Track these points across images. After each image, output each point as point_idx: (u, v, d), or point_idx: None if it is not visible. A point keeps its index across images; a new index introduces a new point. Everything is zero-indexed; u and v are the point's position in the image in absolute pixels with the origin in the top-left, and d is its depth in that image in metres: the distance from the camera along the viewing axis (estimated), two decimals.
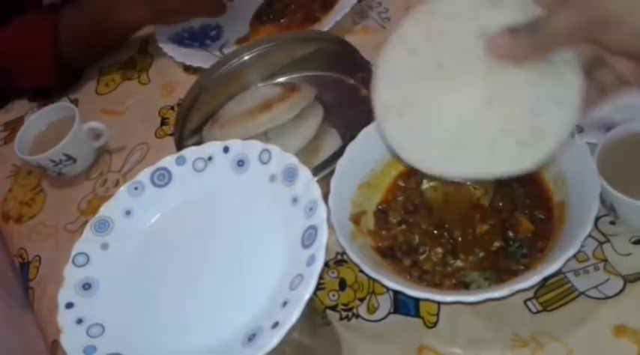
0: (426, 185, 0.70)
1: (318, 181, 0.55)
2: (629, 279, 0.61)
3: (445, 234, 0.66)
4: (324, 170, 0.70)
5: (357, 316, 0.66)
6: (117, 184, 0.92)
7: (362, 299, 0.67)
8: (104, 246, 0.60)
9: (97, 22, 1.03)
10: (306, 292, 0.48)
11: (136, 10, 1.02)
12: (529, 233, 0.63)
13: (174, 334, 0.54)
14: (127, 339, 0.54)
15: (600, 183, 0.59)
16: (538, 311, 0.61)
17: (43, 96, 1.10)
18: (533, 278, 0.55)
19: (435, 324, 0.63)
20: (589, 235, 0.57)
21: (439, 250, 0.65)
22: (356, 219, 0.67)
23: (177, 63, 1.02)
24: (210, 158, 0.62)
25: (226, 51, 1.01)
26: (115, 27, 1.05)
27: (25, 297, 0.89)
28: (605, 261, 0.62)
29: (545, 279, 0.59)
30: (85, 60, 1.11)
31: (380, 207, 0.70)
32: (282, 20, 1.03)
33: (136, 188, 0.62)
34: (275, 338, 0.47)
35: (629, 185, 0.59)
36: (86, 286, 0.57)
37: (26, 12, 1.06)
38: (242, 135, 0.74)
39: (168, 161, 0.63)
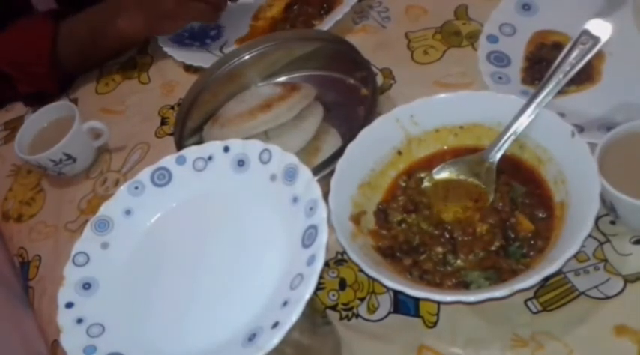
0: (426, 185, 0.70)
1: (319, 181, 0.55)
2: (629, 279, 0.60)
3: (445, 233, 0.66)
4: (324, 170, 0.70)
5: (357, 316, 0.66)
6: (117, 184, 0.92)
7: (362, 299, 0.67)
8: (104, 246, 0.60)
9: (95, 34, 1.03)
10: (306, 292, 0.48)
11: (131, 21, 1.00)
12: (529, 233, 0.63)
13: (175, 334, 0.54)
14: (127, 339, 0.54)
15: (600, 183, 0.59)
16: (538, 311, 0.61)
17: (39, 100, 1.09)
18: (533, 278, 0.55)
19: (435, 324, 0.63)
20: (589, 235, 0.56)
21: (439, 250, 0.65)
22: (356, 218, 0.67)
23: (177, 63, 1.02)
24: (210, 157, 0.62)
25: (226, 51, 1.01)
26: (112, 39, 1.03)
27: (25, 297, 0.88)
28: (605, 260, 0.62)
29: (546, 279, 0.59)
30: (82, 68, 1.11)
31: (380, 206, 0.70)
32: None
33: (136, 187, 0.62)
34: (275, 338, 0.47)
35: (629, 185, 0.59)
36: (86, 286, 0.58)
37: (20, 16, 1.06)
38: (242, 134, 0.74)
39: (168, 160, 0.63)
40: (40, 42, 1.01)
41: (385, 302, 0.66)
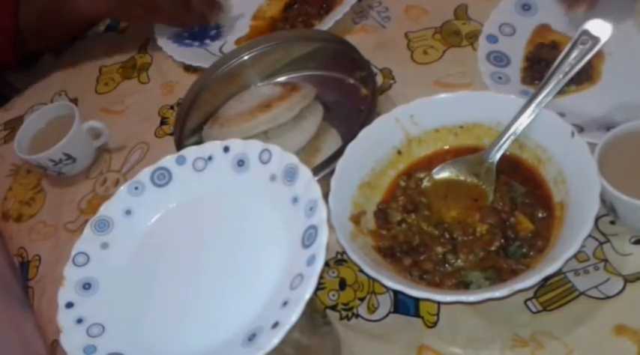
0: (425, 185, 0.70)
1: (319, 181, 0.55)
2: (629, 279, 0.61)
3: (445, 233, 0.66)
4: (324, 170, 0.70)
5: (357, 316, 0.66)
6: (117, 184, 0.92)
7: (362, 299, 0.67)
8: (104, 246, 0.60)
9: (55, 9, 1.02)
10: (307, 292, 0.48)
11: (93, 1, 1.01)
12: (529, 233, 0.63)
13: (174, 334, 0.54)
14: (127, 339, 0.54)
15: (600, 182, 0.59)
16: (538, 311, 0.61)
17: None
18: (533, 278, 0.55)
19: (435, 324, 0.63)
20: (589, 235, 0.56)
21: (439, 250, 0.65)
22: (356, 218, 0.67)
23: (177, 62, 1.02)
24: (210, 158, 0.62)
25: (226, 51, 1.01)
26: (71, 15, 1.03)
27: (25, 297, 0.88)
28: (605, 260, 0.62)
29: (546, 279, 0.59)
30: (43, 43, 1.11)
31: (380, 206, 0.70)
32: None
33: (136, 187, 0.62)
34: (275, 338, 0.47)
35: (629, 185, 0.59)
36: (86, 286, 0.58)
37: None
38: (242, 134, 0.74)
39: (168, 160, 0.63)
40: (2, 8, 1.01)
41: (385, 302, 0.66)
